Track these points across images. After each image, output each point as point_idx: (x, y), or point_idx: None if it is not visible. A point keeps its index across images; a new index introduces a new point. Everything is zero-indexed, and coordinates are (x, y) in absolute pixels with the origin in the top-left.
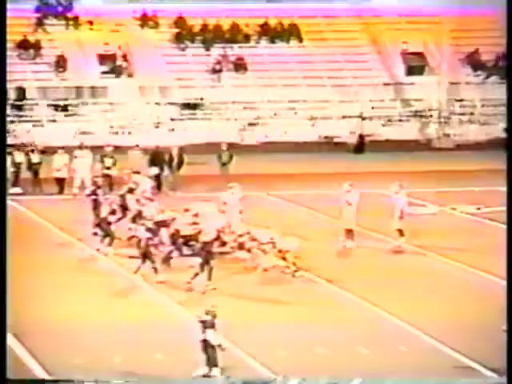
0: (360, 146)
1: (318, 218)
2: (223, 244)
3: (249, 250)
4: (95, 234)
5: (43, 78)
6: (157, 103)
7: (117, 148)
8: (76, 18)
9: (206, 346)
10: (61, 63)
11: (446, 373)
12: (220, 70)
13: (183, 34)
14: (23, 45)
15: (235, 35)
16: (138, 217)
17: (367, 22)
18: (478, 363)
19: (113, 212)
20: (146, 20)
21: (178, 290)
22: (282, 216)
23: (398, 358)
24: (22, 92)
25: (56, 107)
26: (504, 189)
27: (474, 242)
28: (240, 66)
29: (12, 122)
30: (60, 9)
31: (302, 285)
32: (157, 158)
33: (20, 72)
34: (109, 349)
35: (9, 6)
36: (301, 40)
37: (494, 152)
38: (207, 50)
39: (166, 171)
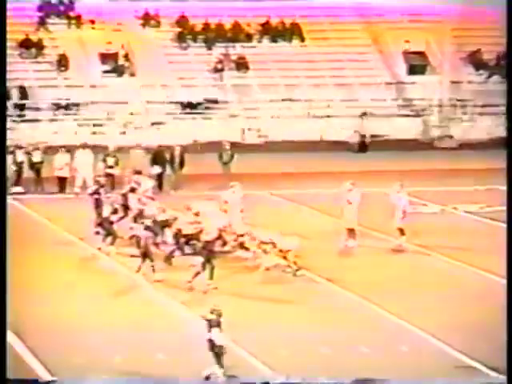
0: (362, 146)
1: (320, 217)
2: (225, 243)
3: (250, 250)
4: (97, 233)
5: (45, 77)
6: (159, 102)
7: (119, 147)
8: (78, 17)
9: (213, 345)
10: (63, 62)
11: (447, 372)
12: (222, 69)
13: (185, 33)
14: (25, 44)
15: (237, 34)
16: (139, 216)
17: (369, 21)
18: (479, 362)
19: (115, 211)
20: (147, 19)
21: (179, 290)
22: (284, 215)
23: (399, 357)
24: (23, 91)
25: (58, 106)
26: (504, 188)
27: (476, 241)
28: (242, 65)
29: (14, 121)
30: (62, 8)
31: (304, 284)
32: (159, 157)
33: (22, 71)
34: (110, 348)
35: (11, 5)
36: (303, 39)
37: (495, 151)
38: (209, 49)
39: (168, 170)
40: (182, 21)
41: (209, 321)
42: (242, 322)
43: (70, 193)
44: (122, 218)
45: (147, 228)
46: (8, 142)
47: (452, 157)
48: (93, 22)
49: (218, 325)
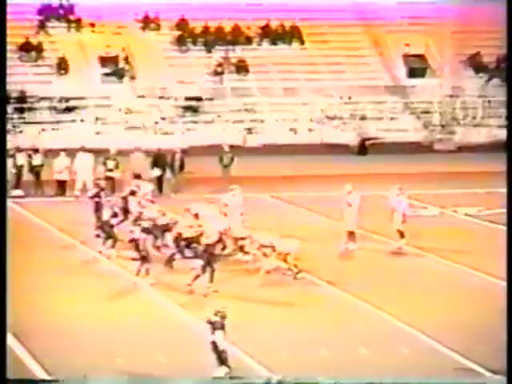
0: (362, 148)
1: (320, 220)
2: (225, 246)
3: (249, 253)
4: (97, 236)
5: (45, 80)
6: (158, 105)
7: (119, 150)
8: (78, 21)
9: (216, 347)
10: (63, 65)
11: (446, 374)
12: (222, 72)
13: (185, 36)
14: (25, 47)
15: (237, 37)
16: (139, 219)
17: (369, 24)
18: (478, 364)
19: (115, 214)
20: (147, 22)
21: (179, 293)
22: (284, 218)
23: (399, 359)
24: (23, 94)
25: (58, 110)
26: (504, 190)
27: (475, 243)
28: (242, 68)
29: (13, 124)
30: (62, 11)
31: (304, 287)
32: (159, 160)
33: (22, 74)
34: (109, 350)
35: (10, 8)
36: (302, 42)
37: (495, 154)
38: (209, 52)
39: (168, 173)
40: (181, 24)
41: (212, 323)
42: (242, 325)
43: (70, 196)
44: (122, 221)
45: (144, 230)
46: (8, 145)
47: (452, 160)
48: (93, 25)
49: (222, 327)
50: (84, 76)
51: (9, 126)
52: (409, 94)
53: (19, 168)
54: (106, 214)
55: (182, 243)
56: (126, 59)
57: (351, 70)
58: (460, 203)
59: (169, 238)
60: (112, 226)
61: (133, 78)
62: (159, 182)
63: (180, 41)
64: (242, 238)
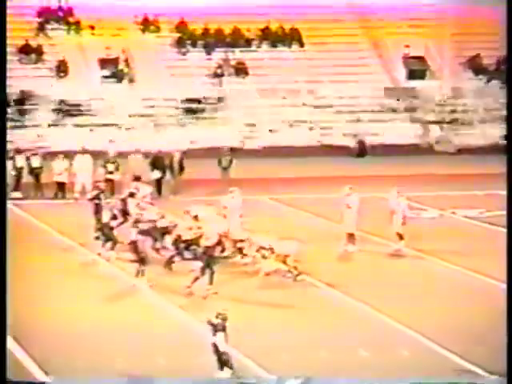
0: (361, 150)
1: (319, 222)
2: (224, 249)
3: (248, 255)
4: (97, 238)
5: (44, 83)
6: (158, 107)
7: (119, 152)
8: (77, 23)
9: (217, 349)
10: (62, 68)
11: (446, 376)
12: (221, 75)
13: (184, 38)
14: (25, 49)
15: (236, 39)
16: (138, 221)
17: (368, 26)
18: (478, 366)
19: (114, 217)
20: (147, 24)
21: (179, 295)
22: (283, 220)
23: (399, 361)
24: (23, 96)
25: (57, 112)
26: (504, 192)
27: (475, 245)
28: (241, 70)
29: (13, 126)
30: (61, 14)
31: (304, 289)
32: (158, 162)
33: (21, 77)
34: (109, 352)
35: (10, 10)
36: (302, 44)
37: (494, 156)
38: (208, 54)
39: (168, 175)
40: (181, 26)
41: (214, 325)
42: (242, 327)
43: (69, 198)
44: (121, 223)
45: (142, 232)
46: (7, 147)
47: (451, 162)
48: (92, 27)
49: (224, 329)
50: (84, 78)
51: (8, 128)
52: (408, 95)
53: (19, 170)
54: (105, 217)
55: (182, 245)
56: (126, 61)
57: (351, 71)
58: (459, 205)
59: (168, 240)
60: (112, 229)
61: (132, 80)
62: (158, 184)
63: (179, 43)
64: (241, 241)
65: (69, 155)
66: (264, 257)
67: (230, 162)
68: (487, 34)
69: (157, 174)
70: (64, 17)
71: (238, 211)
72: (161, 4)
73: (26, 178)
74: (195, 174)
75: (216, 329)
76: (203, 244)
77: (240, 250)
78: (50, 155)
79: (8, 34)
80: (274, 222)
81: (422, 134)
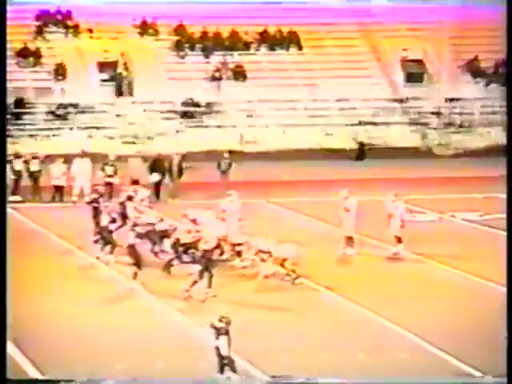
0: (360, 154)
1: (318, 226)
2: (223, 252)
3: (247, 259)
4: (96, 241)
5: (43, 86)
6: (156, 111)
7: (117, 156)
8: (76, 26)
9: (220, 352)
10: (60, 71)
11: (446, 379)
12: (220, 78)
13: (183, 41)
14: (23, 53)
15: (235, 43)
16: (137, 225)
17: (367, 29)
18: (478, 369)
19: (113, 220)
20: (145, 28)
21: (177, 298)
22: (282, 223)
23: (398, 364)
24: (21, 100)
25: (56, 115)
26: (503, 195)
27: (474, 249)
28: (239, 73)
29: (11, 129)
30: (60, 17)
31: (302, 292)
32: (157, 165)
33: (20, 80)
34: (108, 355)
35: (8, 14)
36: (300, 47)
37: (493, 159)
38: (207, 57)
39: (167, 179)
40: (179, 29)
41: (217, 329)
42: (240, 330)
43: (67, 201)
44: (120, 226)
45: (139, 236)
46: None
47: (450, 164)
48: (90, 30)
49: (227, 333)
50: (82, 81)
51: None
52: (407, 99)
53: (17, 174)
54: (104, 220)
55: (180, 249)
56: (125, 65)
57: (349, 75)
58: (458, 208)
59: (167, 243)
60: (111, 232)
61: (130, 83)
62: (157, 187)
63: (178, 46)
64: (240, 244)
65: (67, 158)
66: (262, 260)
67: (229, 165)
68: (485, 37)
69: (156, 177)
70: (62, 20)
71: (237, 215)
72: (159, 7)
73: (24, 181)
74: (194, 177)
75: (219, 332)
76: (202, 247)
77: (238, 253)
78: (49, 159)
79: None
80: (272, 225)
81: (420, 137)
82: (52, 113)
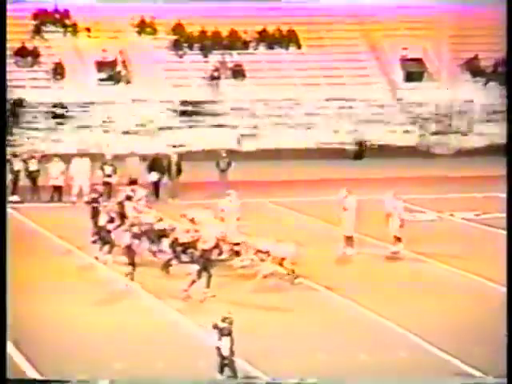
0: (359, 153)
1: (318, 225)
2: (221, 252)
3: (246, 259)
4: (94, 242)
5: (41, 86)
6: (154, 110)
7: (115, 155)
8: (74, 25)
9: (221, 353)
10: (59, 70)
11: (446, 378)
12: (218, 77)
13: (181, 40)
14: (21, 52)
15: (233, 42)
16: (135, 224)
17: (366, 28)
18: (478, 369)
19: (111, 220)
20: (143, 27)
21: (176, 298)
22: (281, 223)
23: (398, 363)
24: (19, 99)
25: (54, 115)
26: (503, 195)
27: (473, 248)
28: (238, 72)
29: (9, 129)
30: (58, 16)
31: (302, 292)
32: (155, 164)
33: (18, 79)
34: (106, 355)
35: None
36: (299, 46)
37: (493, 158)
38: (205, 56)
39: (165, 178)
40: (178, 28)
41: (220, 329)
42: (240, 330)
43: (66, 201)
44: (118, 226)
45: (135, 236)
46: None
47: (449, 164)
48: (88, 29)
49: (229, 333)
50: (80, 81)
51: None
52: (406, 98)
53: (16, 173)
54: (102, 220)
55: (179, 248)
56: (123, 63)
57: (348, 74)
58: (457, 207)
59: (165, 243)
60: (109, 232)
61: (129, 82)
62: (156, 186)
63: (176, 45)
64: (238, 244)
65: (66, 158)
66: (261, 260)
67: (228, 164)
68: (485, 35)
69: (154, 176)
70: (60, 19)
71: (236, 214)
72: (157, 6)
73: (23, 181)
74: (193, 176)
75: (222, 333)
76: (200, 247)
77: (237, 253)
78: (47, 158)
79: (6, 36)
80: (271, 224)
81: (419, 136)
82: (50, 112)
